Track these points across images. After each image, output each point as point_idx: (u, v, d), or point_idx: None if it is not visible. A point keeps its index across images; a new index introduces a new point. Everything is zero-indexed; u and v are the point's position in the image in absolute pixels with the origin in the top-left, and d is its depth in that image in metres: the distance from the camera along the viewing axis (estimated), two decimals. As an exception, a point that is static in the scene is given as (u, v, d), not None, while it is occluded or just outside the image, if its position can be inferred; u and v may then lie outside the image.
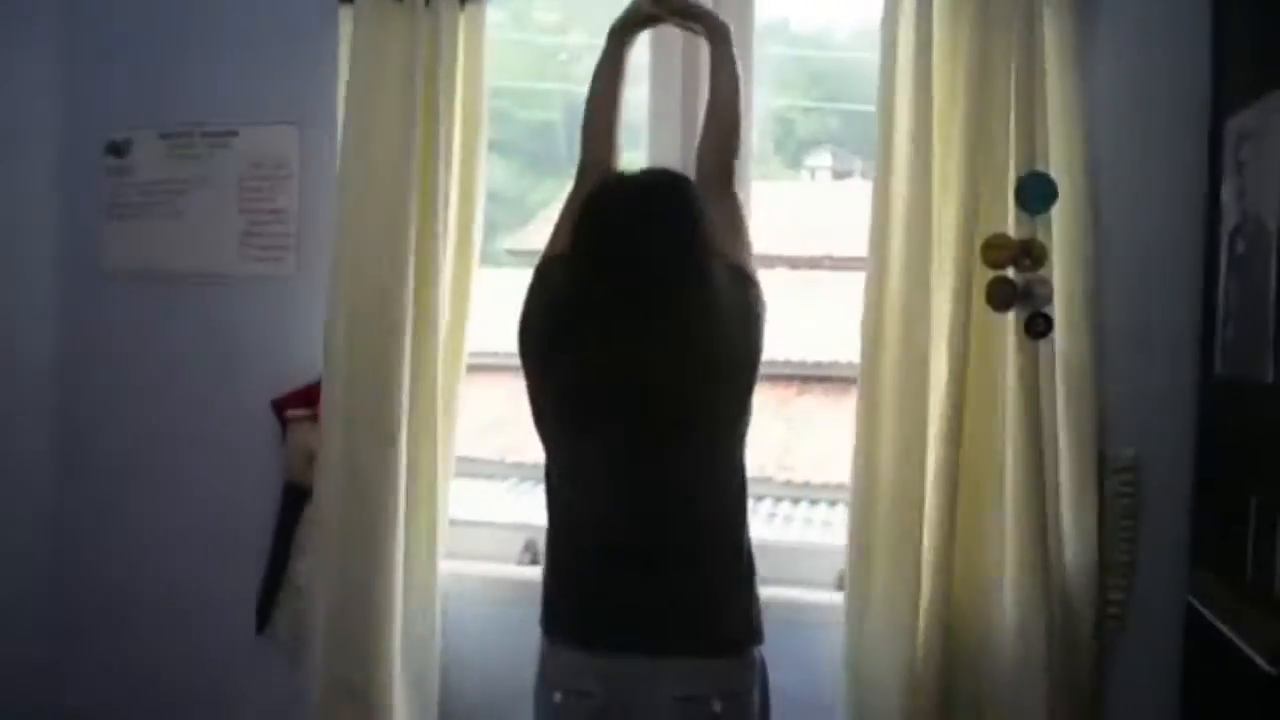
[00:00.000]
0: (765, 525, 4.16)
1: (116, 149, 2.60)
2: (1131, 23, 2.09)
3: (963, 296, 2.02)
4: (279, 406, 2.45)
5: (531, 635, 2.08)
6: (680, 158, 2.33)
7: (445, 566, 2.37)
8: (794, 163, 5.28)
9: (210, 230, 2.55)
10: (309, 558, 2.40)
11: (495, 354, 2.39)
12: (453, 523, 2.39)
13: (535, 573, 2.41)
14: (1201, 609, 1.89)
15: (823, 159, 5.01)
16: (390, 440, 2.27)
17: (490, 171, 2.44)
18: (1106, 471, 2.06)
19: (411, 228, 2.29)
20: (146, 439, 2.59)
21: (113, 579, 2.62)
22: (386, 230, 2.29)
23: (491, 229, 2.37)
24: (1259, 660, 1.58)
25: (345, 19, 2.36)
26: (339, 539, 2.31)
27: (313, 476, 2.37)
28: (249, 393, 2.47)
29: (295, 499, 2.42)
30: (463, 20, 2.30)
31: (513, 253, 5.69)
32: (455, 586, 2.40)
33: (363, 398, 2.30)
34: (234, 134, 2.53)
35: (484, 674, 2.35)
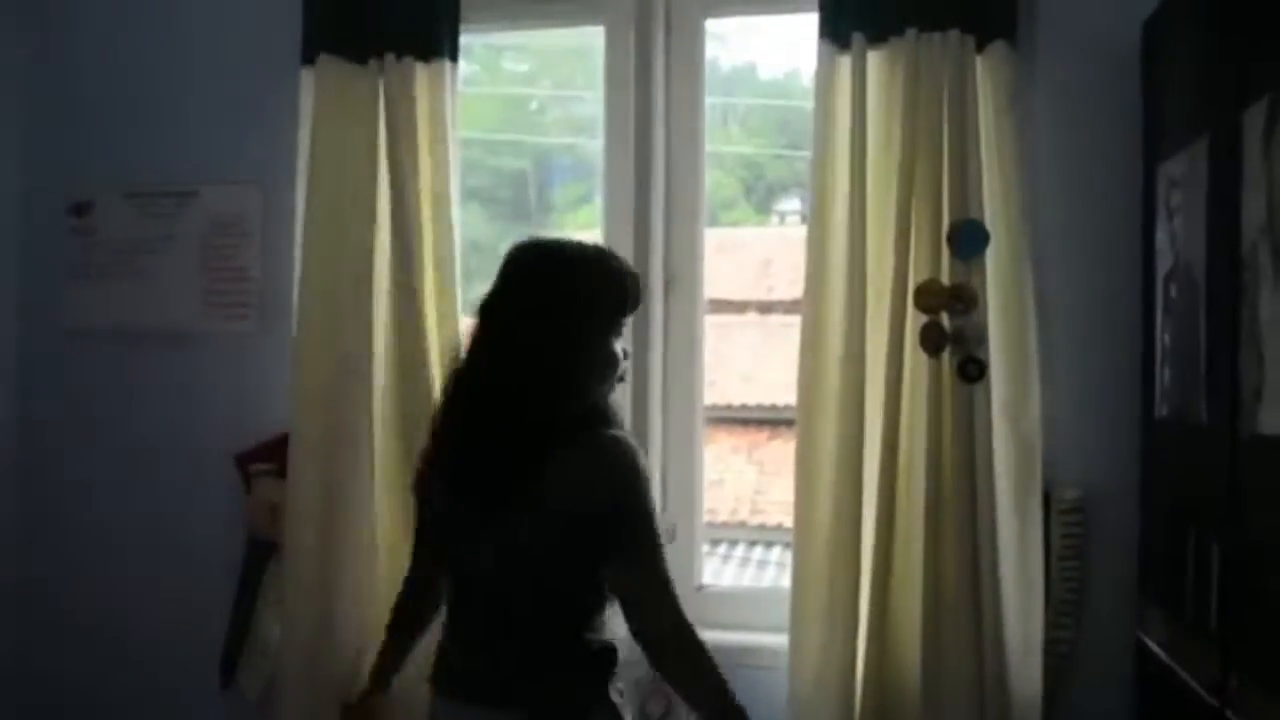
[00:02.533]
0: (737, 569, 4.19)
1: (79, 209, 2.64)
2: (1065, 71, 2.16)
3: (897, 341, 2.06)
4: (242, 461, 2.47)
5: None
6: (633, 207, 2.38)
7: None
8: (764, 207, 5.35)
9: (173, 289, 2.58)
10: (274, 613, 2.41)
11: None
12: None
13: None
14: (1151, 645, 1.92)
15: (792, 204, 5.08)
16: (359, 496, 2.29)
17: (465, 222, 2.47)
18: (1052, 512, 2.09)
19: (380, 283, 2.32)
20: (111, 496, 2.61)
21: (78, 635, 2.61)
22: (352, 286, 2.33)
23: (466, 278, 2.40)
24: (1201, 693, 1.61)
25: (307, 80, 2.41)
26: (305, 595, 2.32)
27: (276, 530, 2.39)
28: (212, 448, 2.49)
29: (259, 553, 2.44)
30: (426, 77, 2.34)
31: (487, 302, 5.73)
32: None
33: (330, 455, 2.33)
34: (196, 194, 2.57)
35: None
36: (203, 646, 2.46)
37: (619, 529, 1.63)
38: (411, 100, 2.33)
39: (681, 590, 2.33)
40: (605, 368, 1.72)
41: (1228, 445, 1.56)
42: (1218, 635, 1.57)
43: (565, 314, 1.67)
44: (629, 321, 1.79)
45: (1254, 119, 1.47)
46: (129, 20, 2.62)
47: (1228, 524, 1.57)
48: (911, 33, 2.09)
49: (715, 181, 4.60)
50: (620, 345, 1.74)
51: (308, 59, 2.39)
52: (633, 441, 1.68)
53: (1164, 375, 1.92)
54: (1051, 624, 2.07)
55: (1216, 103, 1.63)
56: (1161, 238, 1.94)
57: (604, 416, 1.71)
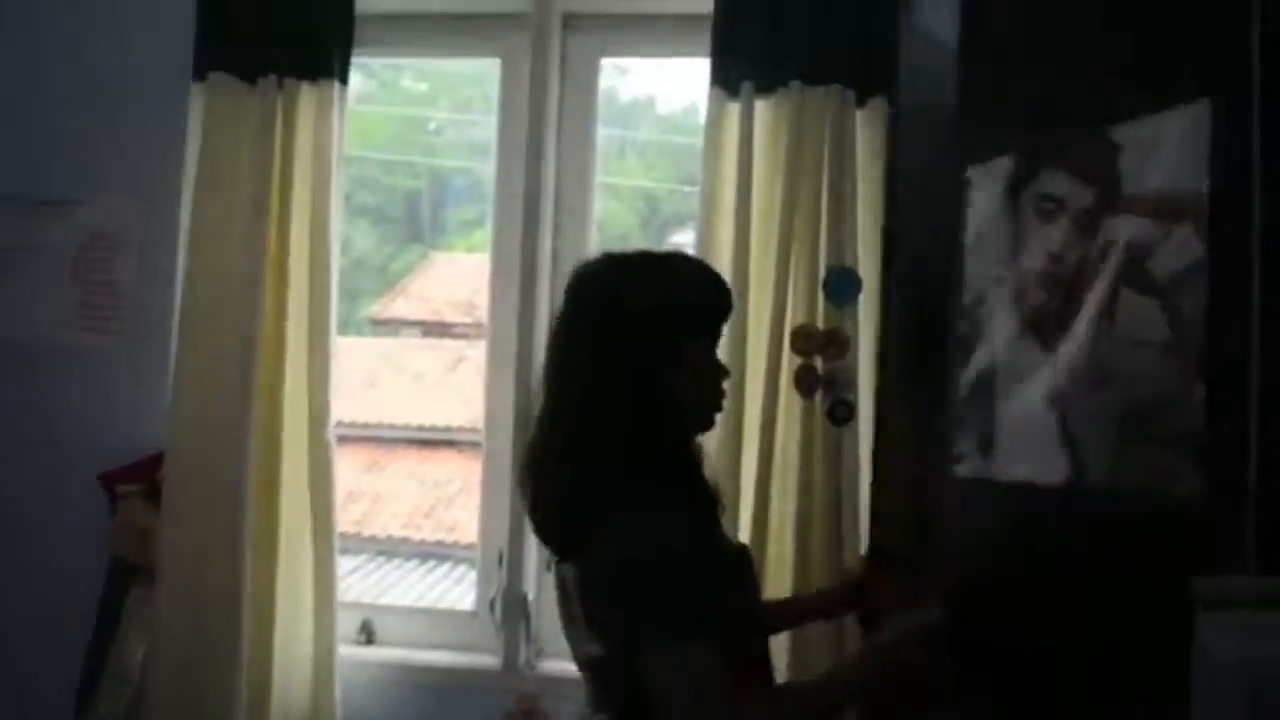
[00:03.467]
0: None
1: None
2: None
3: (773, 380, 2.12)
4: (108, 481, 2.40)
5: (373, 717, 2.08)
6: (520, 239, 2.40)
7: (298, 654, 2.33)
8: (658, 240, 5.42)
9: (44, 299, 2.49)
10: (138, 640, 2.35)
11: (354, 424, 2.39)
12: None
13: (371, 653, 2.42)
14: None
15: (687, 237, 5.15)
16: (235, 519, 2.25)
17: (355, 239, 2.45)
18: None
19: (261, 301, 2.30)
20: (-35, 512, 2.50)
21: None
22: (235, 304, 2.30)
23: (355, 296, 2.37)
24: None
25: (197, 95, 2.38)
26: (177, 620, 2.27)
27: (142, 554, 2.33)
28: (77, 466, 2.41)
29: (122, 577, 2.37)
30: (312, 98, 2.34)
31: (375, 321, 5.69)
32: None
33: (208, 474, 2.29)
34: (75, 203, 2.50)
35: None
36: (59, 673, 2.37)
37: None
38: (293, 120, 2.32)
39: (557, 621, 2.39)
40: (656, 395, 1.48)
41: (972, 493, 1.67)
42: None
43: (606, 331, 1.48)
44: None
45: (995, 175, 1.61)
46: (15, 22, 2.54)
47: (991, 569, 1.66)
48: (797, 85, 2.16)
49: (611, 212, 4.66)
50: (705, 370, 1.55)
51: (199, 75, 2.37)
52: (675, 525, 1.42)
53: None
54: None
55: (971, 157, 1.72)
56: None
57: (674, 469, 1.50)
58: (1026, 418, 1.52)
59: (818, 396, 2.11)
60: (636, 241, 5.16)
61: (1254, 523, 1.21)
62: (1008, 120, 1.59)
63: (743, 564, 1.61)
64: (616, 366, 1.46)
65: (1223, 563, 1.30)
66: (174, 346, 2.35)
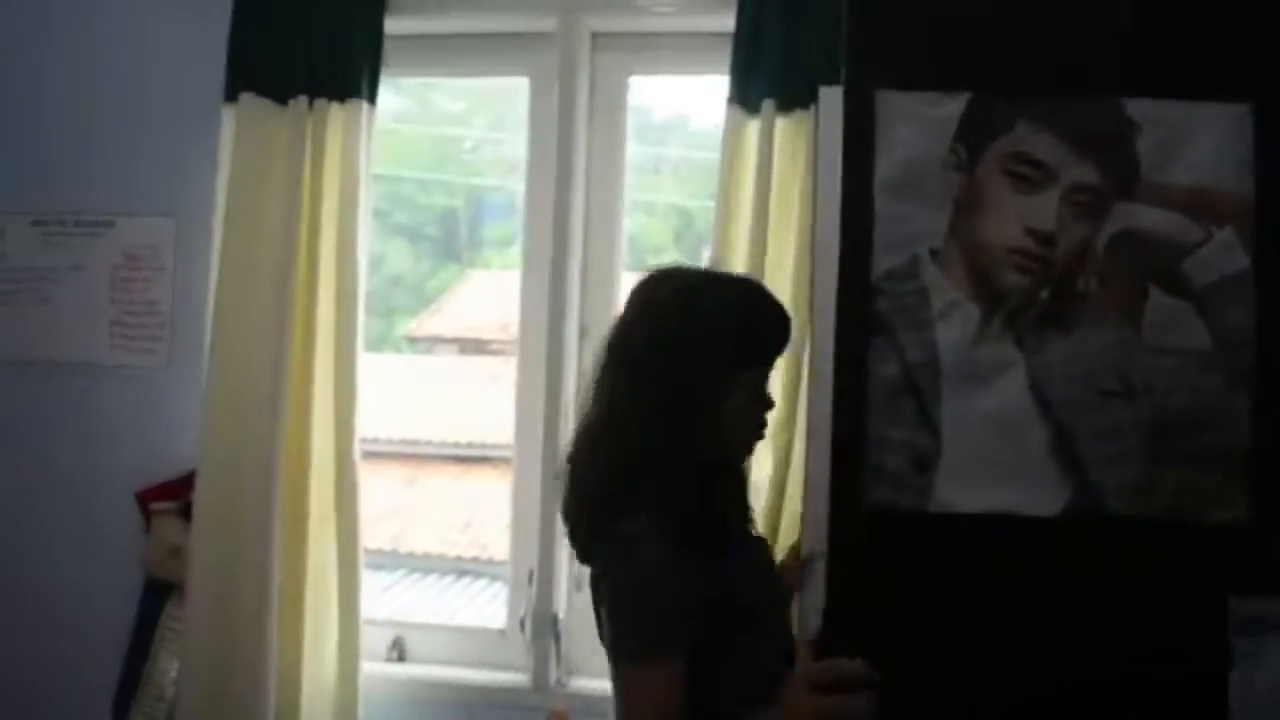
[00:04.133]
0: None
1: (-14, 234, 2.59)
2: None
3: (791, 402, 2.09)
4: (144, 499, 2.42)
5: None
6: (550, 256, 2.39)
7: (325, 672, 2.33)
8: (693, 255, 5.42)
9: (81, 319, 2.53)
10: (171, 657, 2.37)
11: (389, 441, 2.40)
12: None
13: (402, 670, 2.43)
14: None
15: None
16: (264, 536, 2.27)
17: (392, 257, 2.47)
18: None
19: (293, 323, 2.31)
20: (6, 527, 2.53)
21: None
22: (266, 325, 2.32)
23: (391, 314, 2.39)
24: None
25: (228, 117, 2.40)
26: (207, 637, 2.29)
27: (175, 571, 2.35)
28: (113, 484, 2.44)
29: (157, 594, 2.39)
30: (341, 118, 2.35)
31: (411, 339, 5.72)
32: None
33: (238, 493, 2.30)
34: (109, 223, 2.53)
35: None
36: (95, 687, 2.39)
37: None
38: (322, 140, 2.34)
39: (587, 639, 2.38)
40: (701, 421, 1.47)
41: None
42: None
43: (667, 351, 1.47)
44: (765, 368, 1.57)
45: (945, 120, 1.34)
46: (51, 45, 2.58)
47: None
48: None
49: (645, 228, 4.65)
50: (754, 405, 1.54)
51: (230, 96, 2.39)
52: (657, 536, 1.40)
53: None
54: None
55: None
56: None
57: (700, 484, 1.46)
58: (995, 431, 1.28)
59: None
60: (672, 256, 5.16)
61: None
62: (965, 52, 1.34)
63: (764, 583, 1.59)
64: (670, 388, 1.46)
65: (1267, 588, 1.26)
66: (205, 365, 2.37)
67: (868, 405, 1.31)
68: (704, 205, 5.47)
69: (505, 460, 5.05)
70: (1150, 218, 1.26)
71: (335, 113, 2.35)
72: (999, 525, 1.29)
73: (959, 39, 1.34)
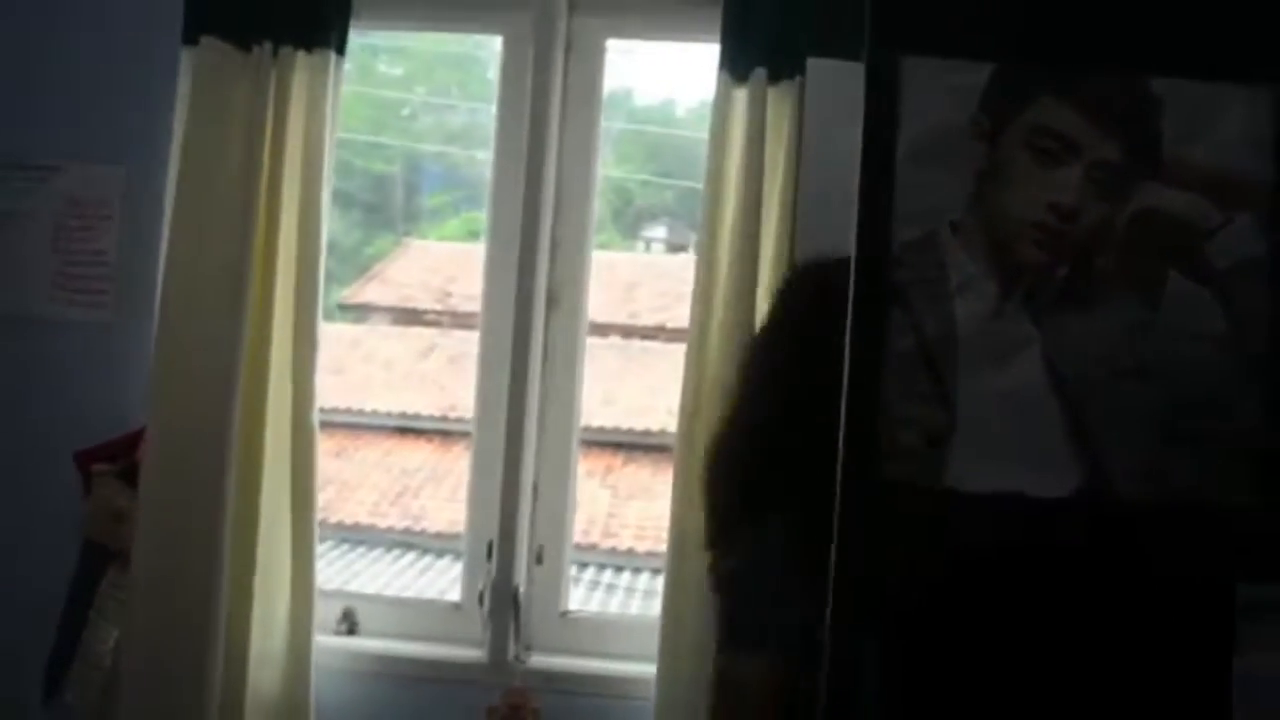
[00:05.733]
0: (587, 592, 4.17)
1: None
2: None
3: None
4: (83, 459, 2.30)
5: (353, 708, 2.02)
6: (521, 215, 2.33)
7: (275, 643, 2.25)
8: (630, 233, 5.39)
9: (21, 268, 2.39)
10: (111, 625, 2.26)
11: (320, 409, 2.34)
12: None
13: (353, 643, 2.36)
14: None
15: (658, 231, 5.13)
16: (215, 502, 2.18)
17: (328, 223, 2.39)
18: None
19: (250, 278, 2.22)
20: (-69, 488, 2.39)
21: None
22: (221, 279, 2.23)
23: (325, 281, 2.32)
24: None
25: (187, 61, 2.29)
26: (152, 604, 2.19)
27: (117, 537, 2.25)
28: (51, 442, 2.32)
29: (95, 560, 2.28)
30: (306, 68, 2.26)
31: (345, 307, 5.59)
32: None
33: (188, 456, 2.21)
34: (54, 169, 2.40)
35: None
36: (27, 655, 2.28)
37: None
38: (287, 90, 2.24)
39: (546, 614, 2.34)
40: None
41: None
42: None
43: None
44: None
45: (970, 88, 1.29)
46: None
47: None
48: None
49: (585, 202, 4.61)
50: None
51: (189, 39, 2.28)
52: None
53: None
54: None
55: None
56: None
57: None
58: (1010, 409, 1.25)
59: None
60: (609, 233, 5.12)
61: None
62: (991, 22, 1.29)
63: None
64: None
65: (1274, 574, 1.27)
66: (155, 322, 2.26)
67: (882, 379, 1.26)
68: (644, 181, 5.44)
69: (440, 432, 4.97)
70: (1171, 198, 1.24)
71: (301, 62, 2.26)
72: (1010, 503, 1.27)
73: (984, 6, 1.30)
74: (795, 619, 1.38)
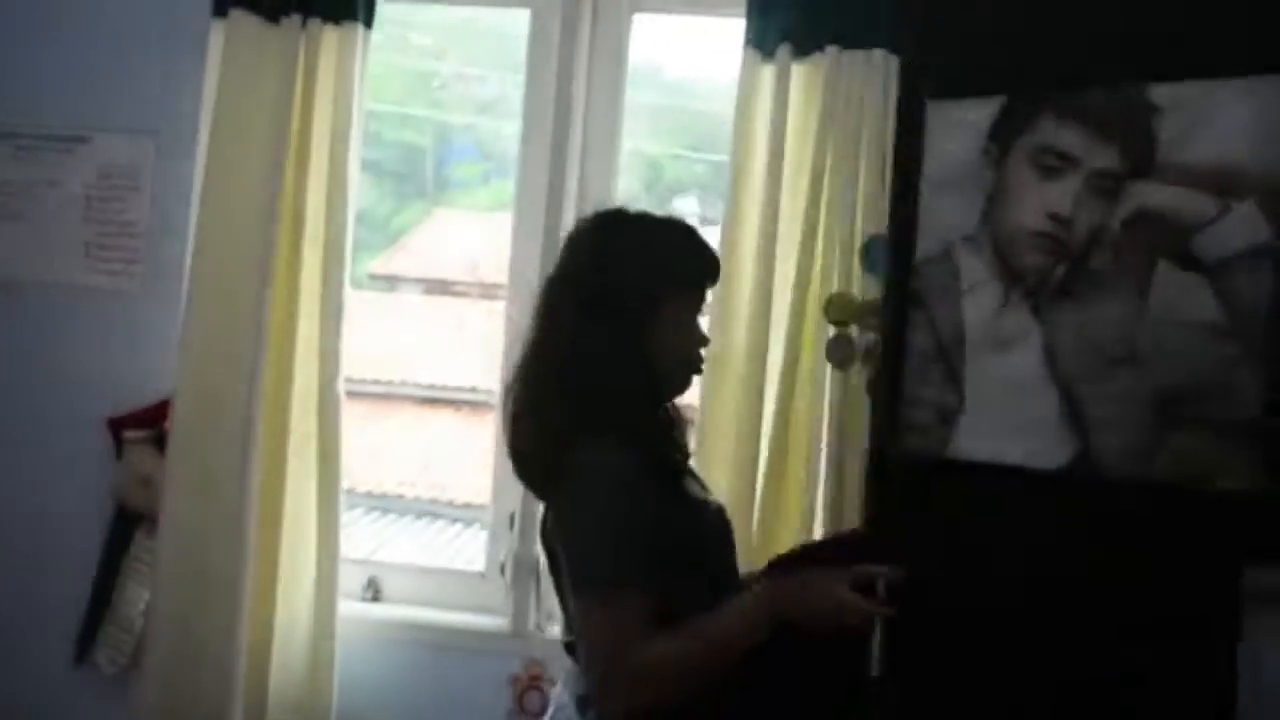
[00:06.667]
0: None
1: (-46, 144, 2.47)
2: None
3: (794, 347, 2.10)
4: (116, 426, 2.35)
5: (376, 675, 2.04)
6: (547, 186, 2.34)
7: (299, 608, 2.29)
8: (661, 206, 5.38)
9: (54, 238, 2.43)
10: (140, 588, 2.31)
11: (349, 379, 2.36)
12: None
13: (377, 610, 2.39)
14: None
15: (689, 204, 5.12)
16: (242, 469, 2.21)
17: (357, 193, 2.41)
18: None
19: (277, 248, 2.24)
20: (-33, 452, 2.45)
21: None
22: (249, 249, 2.25)
23: (355, 251, 2.33)
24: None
25: (217, 33, 2.31)
26: (180, 569, 2.24)
27: (147, 501, 2.29)
28: (85, 409, 2.37)
29: (127, 524, 2.33)
30: (334, 40, 2.28)
31: (375, 277, 5.63)
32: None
33: (216, 423, 2.24)
34: (85, 139, 2.43)
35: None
36: (60, 617, 2.34)
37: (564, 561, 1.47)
38: (315, 62, 2.26)
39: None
40: (633, 347, 1.48)
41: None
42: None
43: (591, 279, 1.49)
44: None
45: (980, 118, 1.45)
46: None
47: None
48: (834, 49, 2.12)
49: (615, 175, 4.60)
50: (685, 328, 1.55)
51: (219, 11, 2.30)
52: (612, 461, 1.43)
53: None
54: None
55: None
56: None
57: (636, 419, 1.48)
58: (1011, 391, 1.38)
59: (855, 368, 2.06)
60: (642, 206, 5.13)
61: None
62: (1001, 60, 1.44)
63: (715, 522, 1.59)
64: (601, 315, 1.48)
65: (1273, 558, 1.27)
66: (184, 291, 2.29)
67: (904, 368, 1.47)
68: (674, 154, 5.42)
69: (467, 403, 5.00)
70: (1164, 195, 1.29)
71: (329, 34, 2.28)
72: (1009, 475, 1.39)
73: (995, 47, 1.45)
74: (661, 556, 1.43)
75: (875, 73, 2.09)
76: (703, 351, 1.59)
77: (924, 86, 1.49)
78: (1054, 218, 1.36)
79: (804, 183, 2.12)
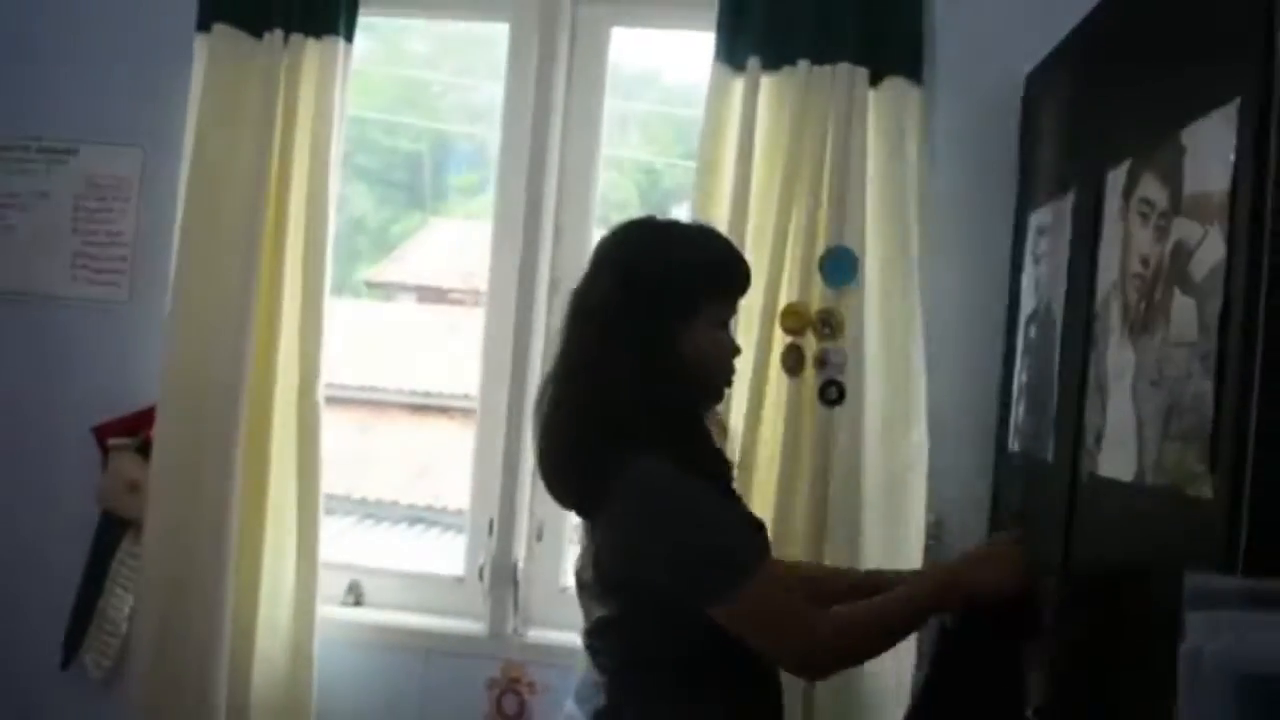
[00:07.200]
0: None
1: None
2: (951, 113, 2.23)
3: (763, 359, 2.12)
4: (101, 433, 2.39)
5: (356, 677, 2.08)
6: (523, 208, 2.38)
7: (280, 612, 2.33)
8: (659, 213, 5.39)
9: (42, 248, 2.48)
10: (125, 592, 2.35)
11: (344, 386, 2.39)
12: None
13: (358, 614, 2.43)
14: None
15: (685, 212, 5.12)
16: (224, 475, 2.25)
17: (354, 201, 2.44)
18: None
19: (260, 258, 2.28)
20: (-46, 459, 2.49)
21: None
22: (232, 262, 2.29)
23: (352, 259, 2.37)
24: (1028, 716, 1.70)
25: (200, 48, 2.35)
26: (164, 573, 2.27)
27: (132, 507, 2.33)
28: (70, 417, 2.41)
29: (112, 530, 2.37)
30: (316, 55, 2.32)
31: (371, 285, 5.66)
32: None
33: (199, 430, 2.28)
34: (73, 151, 2.48)
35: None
36: (46, 622, 2.38)
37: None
38: (297, 77, 2.30)
39: (545, 590, 2.39)
40: (667, 357, 1.49)
41: (1068, 484, 1.65)
42: (1047, 663, 1.66)
43: (623, 290, 1.48)
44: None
45: (1115, 180, 1.56)
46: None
47: (1063, 558, 1.66)
48: (804, 64, 2.15)
49: (611, 184, 4.62)
50: (719, 336, 1.56)
51: (203, 25, 2.34)
52: (670, 469, 1.45)
53: (1018, 412, 2.02)
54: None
55: (1084, 160, 1.72)
56: (1026, 281, 2.03)
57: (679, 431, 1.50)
58: (1125, 418, 1.48)
59: (805, 376, 2.10)
60: (636, 214, 5.14)
61: (1246, 522, 1.21)
62: (1120, 125, 1.59)
63: (762, 531, 1.61)
64: (631, 324, 1.48)
65: (1221, 563, 1.30)
66: (169, 300, 2.33)
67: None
68: (670, 163, 5.45)
69: (461, 410, 5.03)
70: (1181, 227, 1.36)
71: (311, 49, 2.32)
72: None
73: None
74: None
75: (841, 85, 2.13)
76: (736, 362, 1.60)
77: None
78: (1141, 259, 1.46)
79: (774, 193, 2.15)
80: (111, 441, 2.38)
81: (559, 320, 1.60)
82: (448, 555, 4.15)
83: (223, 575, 2.25)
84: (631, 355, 1.47)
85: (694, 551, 1.43)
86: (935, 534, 2.18)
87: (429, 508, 4.71)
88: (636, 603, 1.47)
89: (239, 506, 2.27)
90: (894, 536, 2.14)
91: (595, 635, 1.55)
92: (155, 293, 2.39)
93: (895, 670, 2.09)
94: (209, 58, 2.33)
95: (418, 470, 4.92)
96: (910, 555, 2.12)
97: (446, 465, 4.83)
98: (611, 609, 1.50)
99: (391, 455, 4.93)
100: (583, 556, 1.57)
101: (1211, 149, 1.29)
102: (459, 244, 5.22)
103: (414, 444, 5.03)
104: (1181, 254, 1.33)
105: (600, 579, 1.51)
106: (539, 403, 1.57)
